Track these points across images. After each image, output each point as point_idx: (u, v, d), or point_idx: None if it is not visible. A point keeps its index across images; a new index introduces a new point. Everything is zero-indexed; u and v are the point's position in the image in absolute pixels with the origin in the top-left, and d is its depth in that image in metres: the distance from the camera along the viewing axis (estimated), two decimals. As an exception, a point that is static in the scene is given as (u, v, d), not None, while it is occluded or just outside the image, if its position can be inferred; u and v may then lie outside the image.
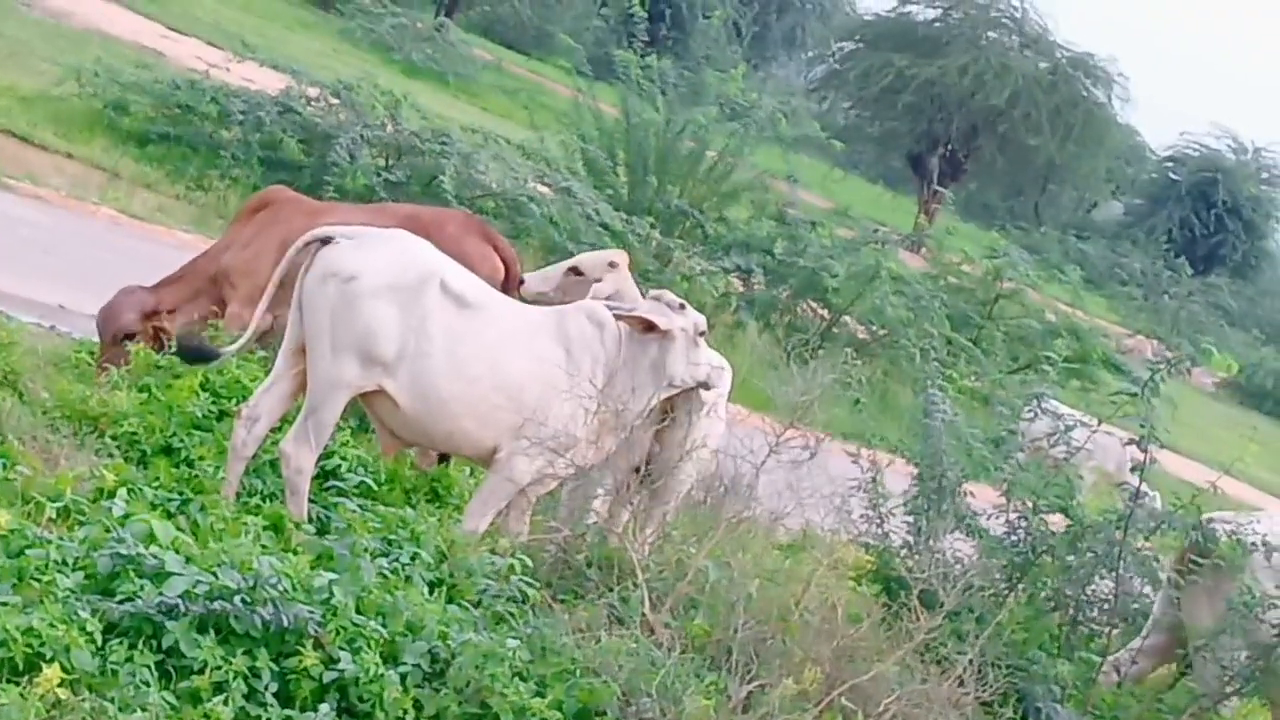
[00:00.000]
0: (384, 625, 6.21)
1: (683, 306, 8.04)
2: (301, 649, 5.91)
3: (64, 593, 5.75)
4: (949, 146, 41.95)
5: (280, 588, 5.99)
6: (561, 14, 45.60)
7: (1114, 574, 9.03)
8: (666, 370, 7.89)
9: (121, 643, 5.68)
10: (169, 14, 28.12)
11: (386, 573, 6.73)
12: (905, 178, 45.56)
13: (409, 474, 8.62)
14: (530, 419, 7.61)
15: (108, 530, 6.13)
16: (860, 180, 46.41)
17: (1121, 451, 9.48)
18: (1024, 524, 9.10)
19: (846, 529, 8.89)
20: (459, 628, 6.39)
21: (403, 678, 6.09)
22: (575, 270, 9.13)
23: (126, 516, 6.31)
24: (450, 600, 6.81)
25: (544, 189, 17.69)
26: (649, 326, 7.85)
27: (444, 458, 8.68)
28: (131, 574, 5.89)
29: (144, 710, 5.48)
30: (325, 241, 7.58)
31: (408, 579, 6.80)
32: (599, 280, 8.96)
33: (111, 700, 5.47)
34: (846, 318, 19.88)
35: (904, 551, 9.11)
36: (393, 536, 7.23)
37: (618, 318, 7.88)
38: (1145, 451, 8.86)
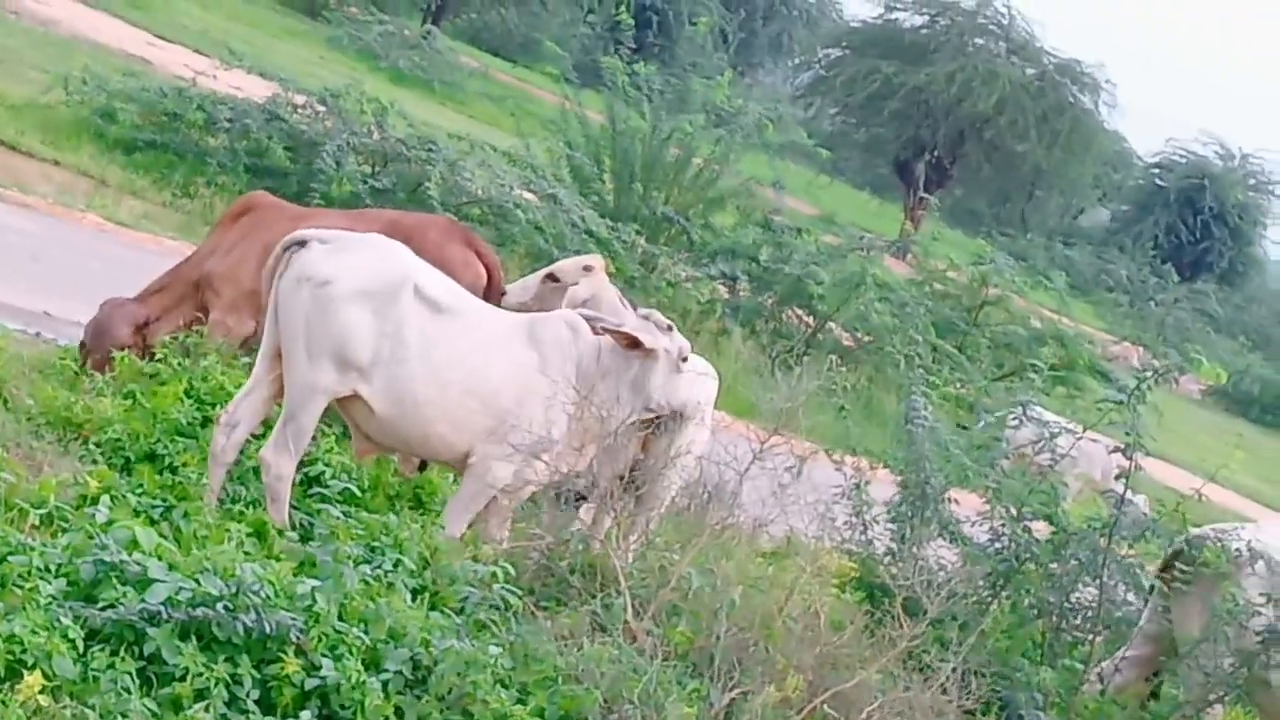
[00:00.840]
0: (366, 632, 6.21)
1: (670, 328, 8.04)
2: (283, 656, 5.91)
3: (46, 599, 5.73)
4: (935, 153, 41.88)
5: (263, 594, 5.99)
6: (548, 21, 45.71)
7: (1098, 581, 9.03)
8: (646, 388, 7.89)
9: (103, 649, 5.67)
10: (156, 22, 28.16)
11: (369, 579, 6.73)
12: (891, 184, 45.51)
13: (392, 480, 8.62)
14: (504, 423, 7.61)
15: (91, 537, 6.12)
16: (846, 187, 46.41)
17: (1107, 459, 9.50)
18: (1008, 531, 9.09)
19: (830, 536, 8.90)
20: (441, 635, 6.39)
21: (385, 685, 6.09)
22: (552, 277, 9.13)
23: (110, 523, 6.29)
24: (433, 607, 6.81)
25: (530, 196, 17.66)
26: (634, 343, 7.85)
27: (424, 464, 8.68)
28: (114, 580, 5.89)
29: (125, 717, 5.48)
30: (301, 245, 7.57)
31: (390, 586, 6.80)
32: (575, 285, 8.96)
33: (93, 707, 5.45)
34: (831, 324, 19.86)
35: (888, 559, 9.10)
36: (375, 543, 7.23)
37: (606, 331, 7.87)
38: (1130, 459, 8.87)
